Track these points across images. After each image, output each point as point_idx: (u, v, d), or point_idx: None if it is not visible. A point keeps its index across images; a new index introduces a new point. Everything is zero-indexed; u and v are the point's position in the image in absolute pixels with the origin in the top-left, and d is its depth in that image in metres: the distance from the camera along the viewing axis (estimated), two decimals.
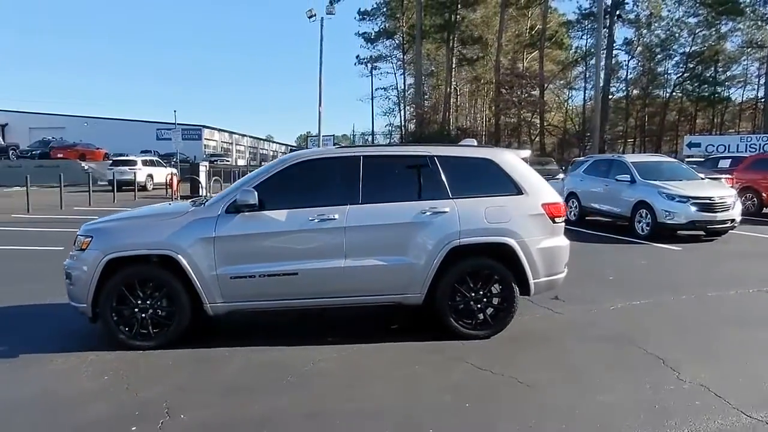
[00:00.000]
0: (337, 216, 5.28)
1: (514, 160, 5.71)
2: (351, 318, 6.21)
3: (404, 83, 51.10)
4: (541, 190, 5.63)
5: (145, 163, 29.33)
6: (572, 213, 15.10)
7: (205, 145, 58.23)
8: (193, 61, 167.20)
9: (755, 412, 3.87)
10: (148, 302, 5.19)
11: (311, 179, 5.56)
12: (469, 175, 5.61)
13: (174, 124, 35.64)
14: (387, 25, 49.28)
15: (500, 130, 47.49)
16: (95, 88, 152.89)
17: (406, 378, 4.56)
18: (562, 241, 5.68)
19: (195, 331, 5.43)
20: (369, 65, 50.71)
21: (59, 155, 38.17)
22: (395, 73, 52.56)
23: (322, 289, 5.34)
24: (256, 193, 5.21)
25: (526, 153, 6.11)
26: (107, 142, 46.37)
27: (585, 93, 50.68)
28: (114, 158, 32.95)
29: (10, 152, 40.12)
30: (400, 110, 52.32)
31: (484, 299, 5.46)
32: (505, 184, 5.56)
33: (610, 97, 48.18)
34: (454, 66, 49.35)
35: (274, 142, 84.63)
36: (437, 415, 3.88)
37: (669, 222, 11.81)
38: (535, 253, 5.46)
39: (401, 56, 50.44)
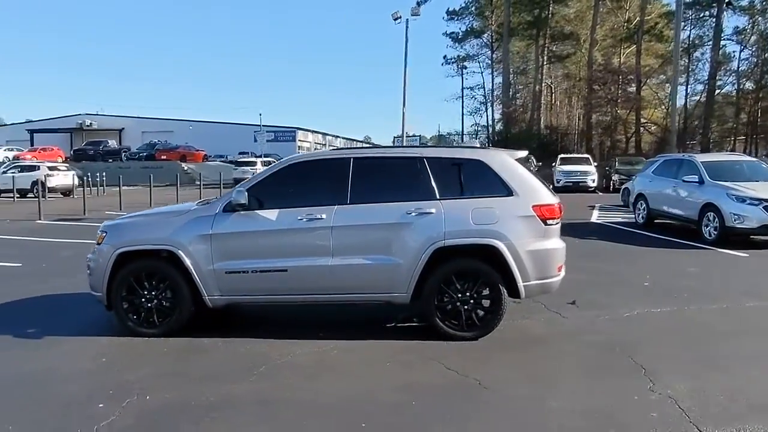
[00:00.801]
0: (324, 216, 5.47)
1: (505, 162, 5.64)
2: (349, 315, 6.39)
3: (492, 82, 50.42)
4: (533, 192, 5.53)
5: (263, 164, 30.90)
6: (640, 216, 14.38)
7: (298, 147, 60.33)
8: (291, 64, 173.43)
9: (712, 428, 3.64)
10: (153, 293, 5.63)
11: (303, 181, 5.80)
12: (458, 177, 5.61)
13: (259, 125, 37.38)
14: (475, 24, 48.83)
15: (591, 128, 45.56)
16: (199, 95, 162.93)
17: (372, 375, 4.68)
18: (554, 244, 5.54)
19: (214, 322, 5.83)
20: (457, 65, 50.50)
21: (163, 157, 41.24)
22: (482, 73, 51.94)
23: (311, 286, 5.56)
24: (246, 193, 5.52)
25: (522, 153, 6.00)
26: (208, 144, 49.45)
27: (687, 88, 47.47)
28: (238, 160, 35.45)
29: (123, 154, 43.77)
30: (486, 110, 51.66)
31: (471, 301, 5.44)
32: (495, 186, 5.51)
33: (717, 91, 44.88)
34: (543, 63, 48.01)
35: (369, 143, 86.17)
36: (379, 411, 3.98)
37: (738, 226, 10.96)
38: (524, 255, 5.37)
39: (490, 55, 49.76)
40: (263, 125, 61.79)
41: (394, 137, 46.81)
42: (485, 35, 49.65)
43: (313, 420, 3.87)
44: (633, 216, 14.83)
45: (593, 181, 28.23)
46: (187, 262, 5.52)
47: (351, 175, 5.60)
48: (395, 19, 39.60)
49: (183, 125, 60.78)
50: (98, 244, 5.81)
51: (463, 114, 52.79)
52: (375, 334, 5.67)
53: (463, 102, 52.59)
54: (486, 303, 5.46)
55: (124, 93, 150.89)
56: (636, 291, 7.43)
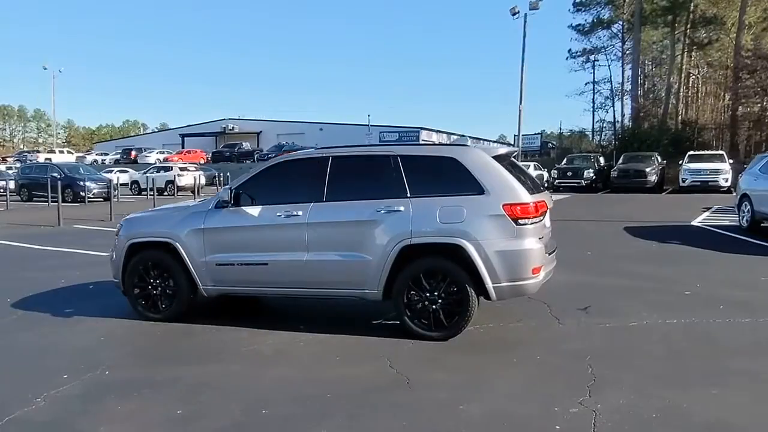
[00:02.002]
0: (300, 213, 5.69)
1: (480, 159, 5.48)
2: (343, 311, 6.53)
3: (622, 75, 47.12)
4: (506, 190, 5.31)
5: None
6: (744, 219, 12.91)
7: None
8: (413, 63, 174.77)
9: None
10: (158, 281, 6.19)
11: (286, 179, 6.06)
12: (430, 175, 5.56)
13: (368, 126, 38.38)
14: (604, 14, 46.04)
15: (737, 122, 41.01)
16: (330, 100, 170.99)
17: (313, 367, 4.82)
18: (528, 245, 5.28)
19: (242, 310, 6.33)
20: (584, 58, 47.87)
21: None
22: (609, 65, 48.71)
23: (289, 280, 5.81)
24: (231, 191, 5.90)
25: (502, 150, 5.77)
26: (336, 145, 51.49)
27: None
28: None
29: (255, 156, 47.04)
30: (613, 104, 48.39)
31: (440, 300, 5.37)
32: (467, 184, 5.38)
33: None
34: (680, 52, 44.09)
35: (502, 142, 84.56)
36: (287, 401, 4.12)
37: None
38: (492, 255, 5.20)
39: (620, 46, 46.65)
40: (386, 126, 63.40)
41: (514, 135, 45.58)
42: (615, 25, 46.65)
43: (220, 403, 4.09)
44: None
45: (726, 181, 25.61)
46: (184, 253, 6.01)
47: (328, 173, 5.76)
48: (513, 14, 38.59)
49: (313, 127, 63.83)
50: (116, 235, 6.50)
51: (594, 109, 49.95)
52: (355, 329, 5.75)
53: (594, 97, 49.80)
54: (452, 303, 5.35)
55: (262, 99, 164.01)
56: (669, 300, 6.80)
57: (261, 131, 67.12)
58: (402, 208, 5.42)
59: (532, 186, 5.88)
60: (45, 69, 65.89)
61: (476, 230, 5.23)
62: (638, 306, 6.50)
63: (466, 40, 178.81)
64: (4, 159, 56.86)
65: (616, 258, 9.76)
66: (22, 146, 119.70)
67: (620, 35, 47.05)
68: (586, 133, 52.84)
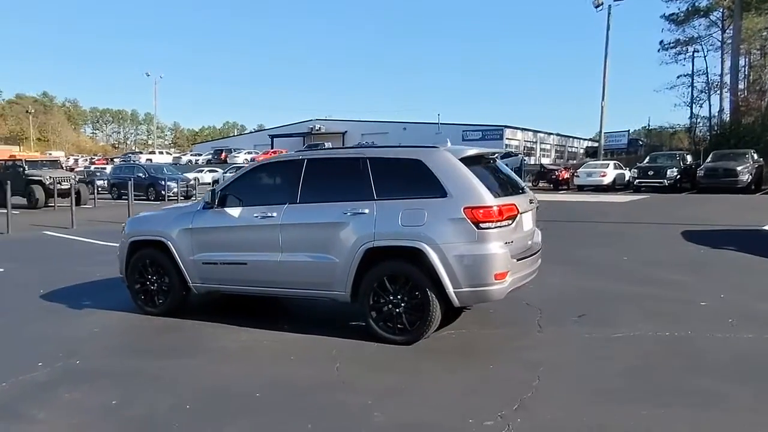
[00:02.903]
0: (275, 214, 5.84)
1: (445, 161, 5.36)
2: (326, 310, 6.59)
3: (721, 67, 43.56)
4: (468, 193, 5.17)
5: None
6: None
7: (506, 145, 59.62)
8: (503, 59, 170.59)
9: None
10: (155, 278, 6.55)
11: (265, 181, 6.23)
12: (397, 177, 5.53)
13: (437, 124, 38.01)
14: (701, 1, 42.82)
15: None
16: (416, 99, 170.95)
17: (263, 366, 4.96)
18: (489, 249, 5.11)
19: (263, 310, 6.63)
20: (677, 50, 44.76)
21: None
22: (705, 57, 45.22)
23: (266, 279, 5.96)
24: (212, 193, 6.15)
25: (471, 152, 5.58)
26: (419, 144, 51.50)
27: None
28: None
29: None
30: (709, 98, 44.90)
31: (402, 304, 5.33)
32: (430, 186, 5.29)
33: None
34: None
35: (593, 139, 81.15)
36: (215, 398, 4.26)
37: None
38: (452, 260, 5.09)
39: (719, 35, 43.21)
40: (471, 124, 62.67)
41: (596, 133, 43.64)
42: (714, 13, 43.32)
43: (155, 395, 4.30)
44: None
45: None
46: (174, 252, 6.32)
47: (303, 175, 5.86)
48: (596, 6, 37.01)
49: (397, 127, 64.31)
50: (121, 233, 6.94)
51: (691, 102, 46.67)
52: (330, 331, 5.76)
53: (689, 91, 46.54)
54: (413, 308, 5.28)
55: (348, 100, 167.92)
56: (676, 310, 6.33)
57: (346, 131, 68.43)
58: (367, 211, 5.42)
59: (509, 189, 5.69)
60: (147, 75, 70.75)
61: (436, 234, 5.14)
62: (638, 316, 6.12)
63: (552, 36, 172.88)
64: (111, 160, 61.54)
65: (651, 264, 9.17)
66: (134, 147, 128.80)
67: (719, 23, 43.71)
68: (677, 129, 49.45)
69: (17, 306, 7.18)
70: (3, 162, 23.79)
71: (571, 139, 75.80)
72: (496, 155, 6.06)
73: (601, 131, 36.51)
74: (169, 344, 5.61)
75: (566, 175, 33.09)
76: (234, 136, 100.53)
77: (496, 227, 5.15)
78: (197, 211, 6.33)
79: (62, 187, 21.85)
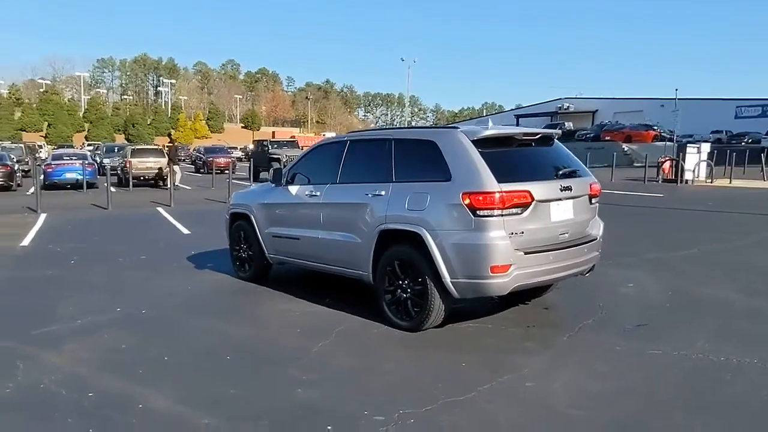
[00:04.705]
0: (318, 193, 6.10)
1: (456, 143, 4.98)
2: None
3: None
4: (470, 177, 4.77)
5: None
6: None
7: None
8: None
9: None
10: (245, 246, 7.34)
11: (318, 161, 6.47)
12: (413, 159, 5.37)
13: (674, 100, 32.85)
14: None
15: None
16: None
17: (263, 334, 5.39)
18: (484, 239, 4.66)
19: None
20: None
21: (607, 138, 41.18)
22: None
23: (313, 255, 6.28)
24: (275, 171, 6.61)
25: (489, 132, 4.98)
26: (684, 123, 45.81)
27: None
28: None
29: (576, 135, 45.41)
30: None
31: (409, 291, 5.17)
32: (439, 169, 5.03)
33: None
34: None
35: None
36: (198, 356, 4.76)
37: None
38: (448, 248, 4.80)
39: None
40: (748, 99, 53.68)
41: None
42: None
43: (159, 348, 4.93)
44: None
45: None
46: (255, 224, 7.01)
47: (344, 156, 6.00)
48: None
49: (653, 104, 58.05)
50: (228, 205, 7.88)
51: None
52: (361, 310, 5.78)
53: None
54: (416, 295, 5.10)
55: (601, 77, 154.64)
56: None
57: (597, 110, 64.16)
58: (383, 193, 5.39)
59: (540, 174, 5.06)
60: (402, 60, 75.22)
61: (435, 219, 4.89)
62: (707, 334, 5.03)
63: None
64: None
65: None
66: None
67: None
68: None
69: (167, 261, 8.59)
70: (256, 142, 28.02)
71: None
72: (539, 135, 5.36)
73: None
74: (223, 306, 6.31)
75: None
76: (481, 117, 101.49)
77: (498, 215, 4.66)
78: (272, 188, 6.89)
79: None
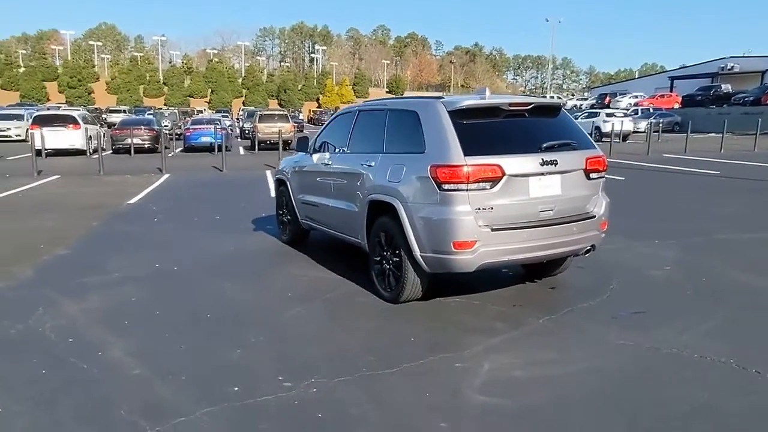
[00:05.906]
0: (330, 162, 6.23)
1: (435, 114, 4.80)
2: None
3: None
4: (440, 149, 4.62)
5: None
6: None
7: None
8: None
9: None
10: (285, 210, 7.68)
11: (336, 130, 6.53)
12: (400, 130, 5.29)
13: None
14: None
15: None
16: None
17: (262, 294, 5.64)
18: (447, 214, 4.50)
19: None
20: None
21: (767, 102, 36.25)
22: None
23: (327, 222, 6.45)
24: (297, 138, 6.84)
25: (471, 102, 4.72)
26: None
27: None
28: None
29: (732, 98, 40.52)
30: None
31: (390, 262, 5.17)
32: (417, 141, 4.92)
33: None
34: None
35: None
36: (189, 314, 5.13)
37: None
38: (417, 221, 4.74)
39: None
40: None
41: None
42: None
43: (164, 302, 5.40)
44: None
45: None
46: (290, 189, 7.32)
47: (353, 126, 6.04)
48: None
49: None
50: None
51: None
52: (359, 276, 5.92)
53: None
54: (396, 267, 5.07)
55: None
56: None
57: (766, 70, 56.35)
58: (373, 164, 5.40)
59: (523, 147, 4.76)
60: (547, 21, 71.39)
61: (407, 191, 4.84)
62: (712, 329, 4.43)
63: None
64: None
65: None
66: (550, 92, 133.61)
67: None
68: None
69: (234, 223, 9.17)
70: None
71: None
72: (532, 105, 4.96)
73: None
74: (246, 269, 6.58)
75: None
76: (634, 79, 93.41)
77: (463, 190, 4.48)
78: (304, 154, 7.12)
79: None
